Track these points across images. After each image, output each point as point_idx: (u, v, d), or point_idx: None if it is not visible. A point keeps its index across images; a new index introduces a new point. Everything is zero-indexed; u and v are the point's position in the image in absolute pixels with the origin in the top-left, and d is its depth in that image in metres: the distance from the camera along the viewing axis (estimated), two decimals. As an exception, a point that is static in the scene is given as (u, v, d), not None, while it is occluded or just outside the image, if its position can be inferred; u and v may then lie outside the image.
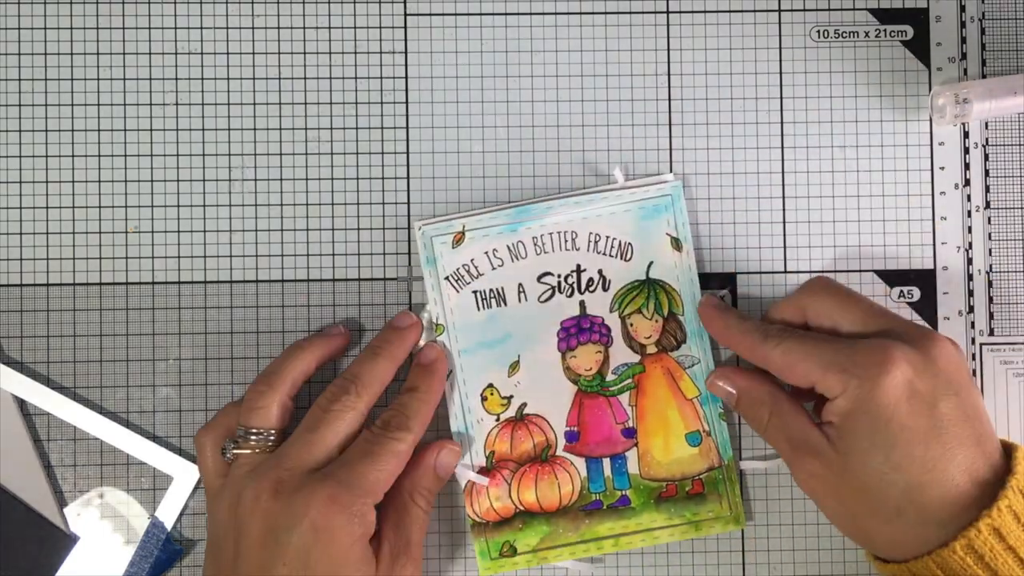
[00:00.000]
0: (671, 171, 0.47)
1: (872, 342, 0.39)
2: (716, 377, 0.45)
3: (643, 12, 0.48)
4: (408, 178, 0.47)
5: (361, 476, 0.40)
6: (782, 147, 0.48)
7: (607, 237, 0.46)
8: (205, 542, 0.46)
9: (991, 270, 0.48)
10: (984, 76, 0.48)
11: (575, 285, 0.46)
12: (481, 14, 0.48)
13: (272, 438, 0.42)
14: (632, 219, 0.46)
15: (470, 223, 0.46)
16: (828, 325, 0.42)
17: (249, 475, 0.41)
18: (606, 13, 0.48)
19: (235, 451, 0.42)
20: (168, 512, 0.46)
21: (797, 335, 0.41)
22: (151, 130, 0.47)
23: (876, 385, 0.38)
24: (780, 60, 0.48)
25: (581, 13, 0.48)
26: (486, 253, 0.46)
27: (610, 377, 0.46)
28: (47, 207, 0.47)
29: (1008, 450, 0.39)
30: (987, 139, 0.48)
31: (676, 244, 0.46)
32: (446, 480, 0.45)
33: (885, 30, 0.48)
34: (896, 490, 0.38)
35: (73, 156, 0.47)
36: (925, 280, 0.48)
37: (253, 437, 0.42)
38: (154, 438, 0.46)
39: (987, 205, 0.48)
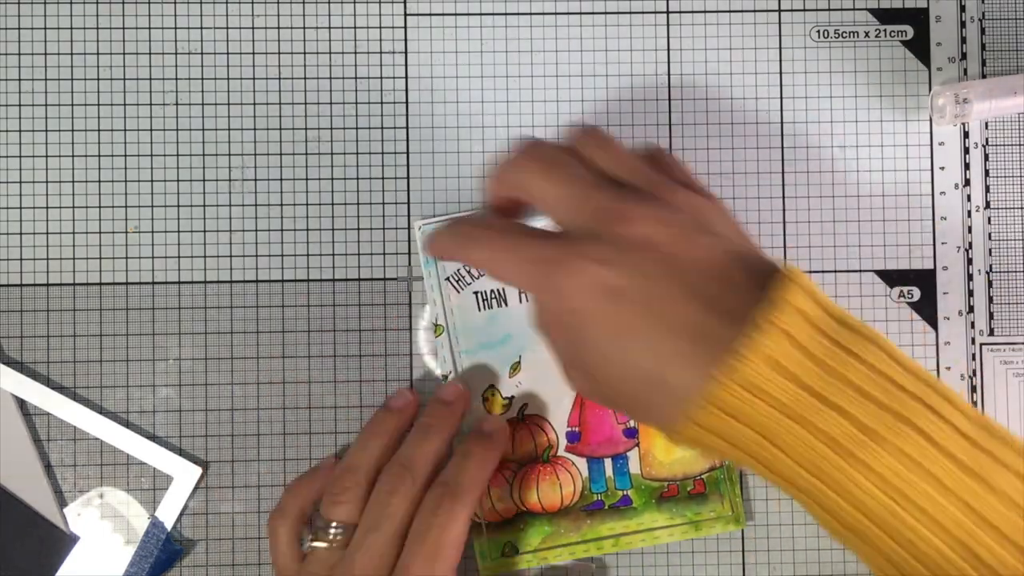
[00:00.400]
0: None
1: (570, 239, 0.34)
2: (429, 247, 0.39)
3: (643, 12, 0.48)
4: (408, 178, 0.47)
5: (438, 564, 0.40)
6: (782, 147, 0.48)
7: None
8: (205, 542, 0.46)
9: (991, 270, 0.48)
10: (984, 76, 0.48)
11: None
12: (481, 14, 0.48)
13: (350, 532, 0.41)
14: None
15: None
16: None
17: None
18: (606, 13, 0.48)
19: (313, 544, 0.41)
20: (168, 512, 0.46)
21: (498, 233, 0.36)
22: (151, 130, 0.47)
23: (560, 294, 0.33)
24: (780, 60, 0.48)
25: (581, 13, 0.48)
26: None
27: None
28: (47, 207, 0.47)
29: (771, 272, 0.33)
30: (987, 139, 0.48)
31: None
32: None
33: (885, 30, 0.48)
34: (629, 400, 0.34)
35: (73, 156, 0.47)
36: (925, 280, 0.48)
37: (333, 531, 0.41)
38: (154, 438, 0.46)
39: (987, 205, 0.48)
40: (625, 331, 0.33)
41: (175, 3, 0.47)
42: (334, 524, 0.41)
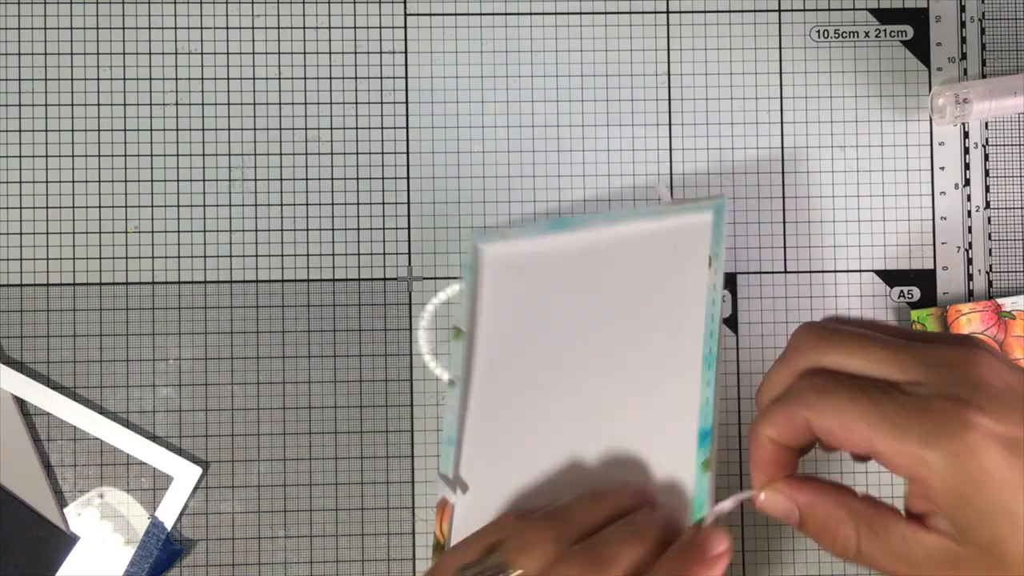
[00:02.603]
0: (671, 177, 0.47)
1: (929, 394, 0.30)
2: (768, 495, 0.34)
3: (643, 12, 0.48)
4: (408, 178, 0.47)
5: None
6: (782, 147, 0.48)
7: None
8: (205, 542, 0.46)
9: (991, 270, 0.48)
10: (984, 76, 0.48)
11: None
12: (481, 14, 0.48)
13: None
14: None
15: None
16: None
17: None
18: (606, 13, 0.48)
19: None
20: (168, 512, 0.46)
21: (834, 384, 0.32)
22: (151, 130, 0.47)
23: (971, 448, 0.29)
24: (780, 60, 0.48)
25: (581, 13, 0.48)
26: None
27: None
28: (47, 207, 0.47)
29: None
30: (987, 139, 0.48)
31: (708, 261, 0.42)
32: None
33: (885, 30, 0.48)
34: None
35: (73, 156, 0.47)
36: (925, 280, 0.48)
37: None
38: (154, 438, 0.46)
39: (987, 205, 0.48)
40: None
41: (175, 3, 0.47)
42: (510, 572, 0.35)
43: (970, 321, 0.47)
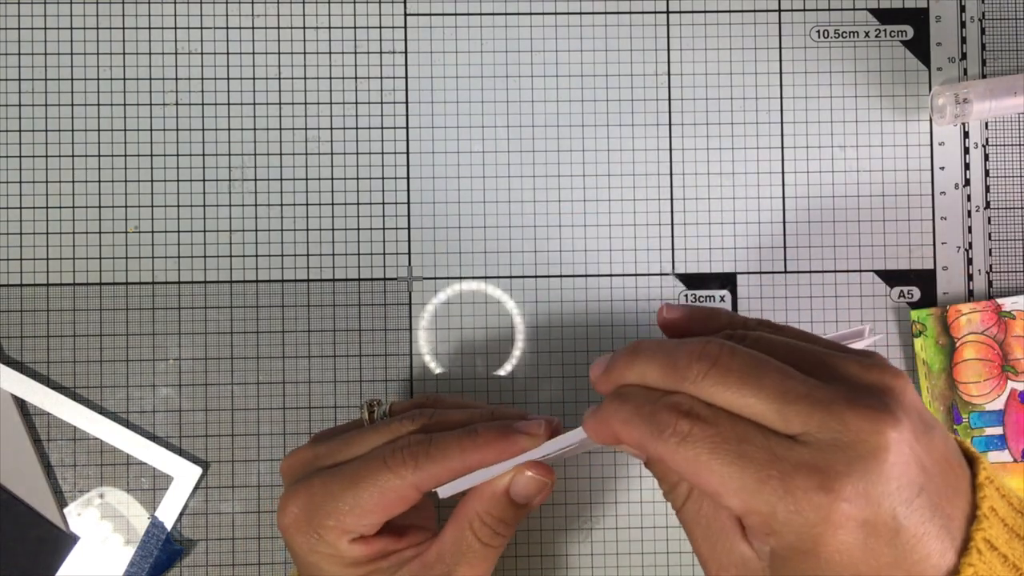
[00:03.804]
0: (671, 178, 0.47)
1: (805, 458, 0.28)
2: (599, 419, 0.32)
3: (643, 12, 0.48)
4: (408, 179, 0.47)
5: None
6: (782, 147, 0.48)
7: None
8: (205, 542, 0.46)
9: (991, 270, 0.48)
10: (984, 76, 0.48)
11: None
12: (481, 14, 0.48)
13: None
14: None
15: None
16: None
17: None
18: (606, 13, 0.48)
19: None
20: (168, 512, 0.46)
21: (701, 431, 0.29)
22: (151, 130, 0.47)
23: (818, 537, 0.27)
24: (780, 60, 0.48)
25: (581, 13, 0.48)
26: None
27: None
28: (47, 207, 0.47)
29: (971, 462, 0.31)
30: (987, 139, 0.48)
31: None
32: (531, 508, 0.37)
33: (885, 30, 0.48)
34: None
35: (73, 156, 0.47)
36: (925, 280, 0.48)
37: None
38: (154, 438, 0.46)
39: (987, 205, 0.48)
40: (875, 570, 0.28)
41: (175, 3, 0.47)
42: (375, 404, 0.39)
43: (970, 321, 0.47)
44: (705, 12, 0.48)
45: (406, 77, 0.47)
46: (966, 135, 0.48)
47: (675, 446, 0.29)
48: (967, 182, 0.48)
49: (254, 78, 0.47)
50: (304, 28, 0.47)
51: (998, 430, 0.47)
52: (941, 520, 0.28)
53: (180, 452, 0.46)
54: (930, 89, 0.48)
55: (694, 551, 0.32)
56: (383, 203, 0.47)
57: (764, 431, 0.29)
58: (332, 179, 0.47)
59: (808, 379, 0.29)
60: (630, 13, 0.48)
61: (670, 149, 0.48)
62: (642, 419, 0.30)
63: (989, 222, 0.48)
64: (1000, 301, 0.47)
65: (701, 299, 0.47)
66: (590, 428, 0.32)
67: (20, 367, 0.46)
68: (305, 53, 0.47)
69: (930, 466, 0.28)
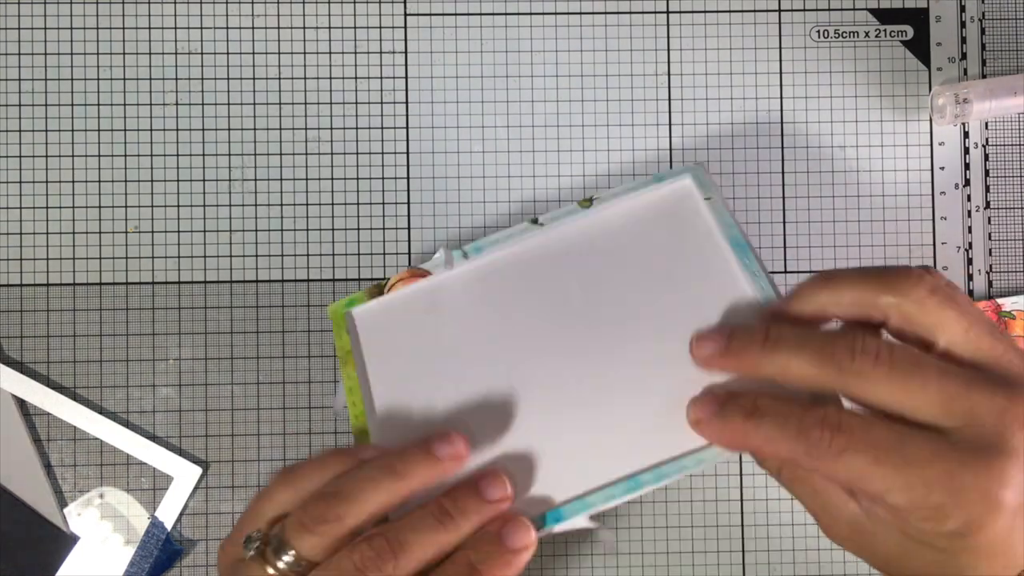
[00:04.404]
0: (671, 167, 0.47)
1: (967, 456, 0.28)
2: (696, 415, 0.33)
3: (643, 12, 0.48)
4: (408, 178, 0.47)
5: None
6: (782, 147, 0.48)
7: None
8: (205, 542, 0.46)
9: (991, 270, 0.48)
10: (984, 76, 0.48)
11: None
12: (481, 14, 0.48)
13: (305, 572, 0.32)
14: None
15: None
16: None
17: None
18: (606, 13, 0.48)
19: (251, 558, 0.32)
20: (168, 512, 0.46)
21: (865, 433, 0.29)
22: (151, 130, 0.47)
23: (980, 524, 0.28)
24: (780, 60, 0.48)
25: (581, 13, 0.48)
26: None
27: None
28: (47, 207, 0.47)
29: None
30: (987, 139, 0.48)
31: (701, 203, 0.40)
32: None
33: (885, 30, 0.48)
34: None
35: (73, 156, 0.47)
36: (925, 280, 0.48)
37: (287, 561, 0.32)
38: (154, 438, 0.46)
39: (987, 205, 0.48)
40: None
41: (175, 3, 0.47)
42: (292, 554, 0.32)
43: (970, 321, 0.47)
44: (705, 12, 0.48)
45: (406, 77, 0.47)
46: (966, 135, 0.48)
47: (832, 460, 0.29)
48: (967, 182, 0.48)
49: (254, 78, 0.47)
50: (304, 28, 0.47)
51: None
52: None
53: (180, 452, 0.46)
54: (930, 89, 0.48)
55: (799, 502, 0.32)
56: (383, 203, 0.47)
57: (921, 429, 0.29)
58: (332, 179, 0.47)
59: (963, 370, 0.29)
60: (630, 13, 0.48)
61: (670, 149, 0.48)
62: (789, 437, 0.30)
63: (989, 222, 0.48)
64: (1000, 301, 0.47)
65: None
66: (713, 434, 0.32)
67: (20, 367, 0.46)
68: (305, 53, 0.47)
69: None
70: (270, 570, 0.32)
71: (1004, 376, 0.29)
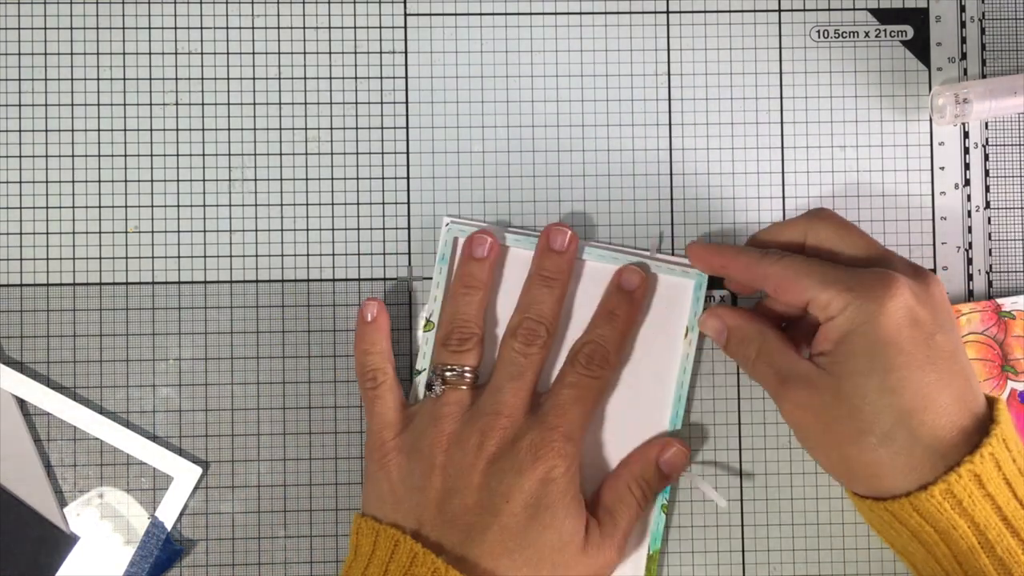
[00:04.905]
0: (671, 178, 0.48)
1: (874, 269, 0.39)
2: (707, 315, 0.44)
3: (643, 12, 0.48)
4: (408, 178, 0.47)
5: (577, 425, 0.43)
6: (782, 147, 0.48)
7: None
8: (205, 542, 0.46)
9: (991, 270, 0.48)
10: (984, 76, 0.48)
11: None
12: (481, 14, 0.48)
13: (476, 377, 0.44)
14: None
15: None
16: (826, 252, 0.42)
17: (464, 418, 0.42)
18: (606, 13, 0.48)
19: (444, 387, 0.43)
20: (168, 512, 0.46)
21: (797, 255, 0.41)
22: (151, 130, 0.47)
23: (880, 307, 0.38)
24: (780, 60, 0.48)
25: (581, 13, 0.48)
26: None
27: None
28: (47, 207, 0.47)
29: (989, 401, 0.40)
30: (987, 139, 0.48)
31: (685, 331, 0.46)
32: (672, 479, 0.45)
33: (885, 30, 0.48)
34: (888, 414, 0.37)
35: (73, 156, 0.47)
36: (925, 280, 0.48)
37: (468, 375, 0.44)
38: (154, 438, 0.46)
39: (987, 205, 0.48)
40: (920, 364, 0.38)
41: (175, 3, 0.47)
42: (468, 369, 0.44)
43: (970, 321, 0.47)
44: (705, 12, 0.48)
45: (406, 77, 0.47)
46: (966, 135, 0.48)
47: (775, 261, 0.41)
48: (967, 182, 0.48)
49: (254, 78, 0.47)
50: (304, 28, 0.47)
51: (998, 430, 0.47)
52: (962, 372, 0.38)
53: (180, 452, 0.46)
54: (930, 89, 0.48)
55: (765, 389, 0.42)
56: (383, 203, 0.47)
57: (841, 264, 0.40)
58: (332, 179, 0.47)
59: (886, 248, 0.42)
60: (630, 13, 0.48)
61: (670, 149, 0.48)
62: (754, 253, 0.42)
63: (989, 222, 0.48)
64: (1000, 301, 0.47)
65: (701, 299, 0.47)
66: (697, 255, 0.44)
67: (20, 367, 0.46)
68: (305, 53, 0.47)
69: (955, 330, 0.40)
70: (462, 387, 0.43)
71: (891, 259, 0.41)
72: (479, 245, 0.45)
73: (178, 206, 0.47)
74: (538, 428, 0.42)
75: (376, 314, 0.45)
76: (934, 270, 0.48)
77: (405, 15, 0.48)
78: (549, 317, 0.44)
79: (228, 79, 0.47)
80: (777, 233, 0.44)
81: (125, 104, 0.47)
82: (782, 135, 0.48)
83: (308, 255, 0.47)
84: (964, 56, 0.48)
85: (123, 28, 0.47)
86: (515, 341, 0.43)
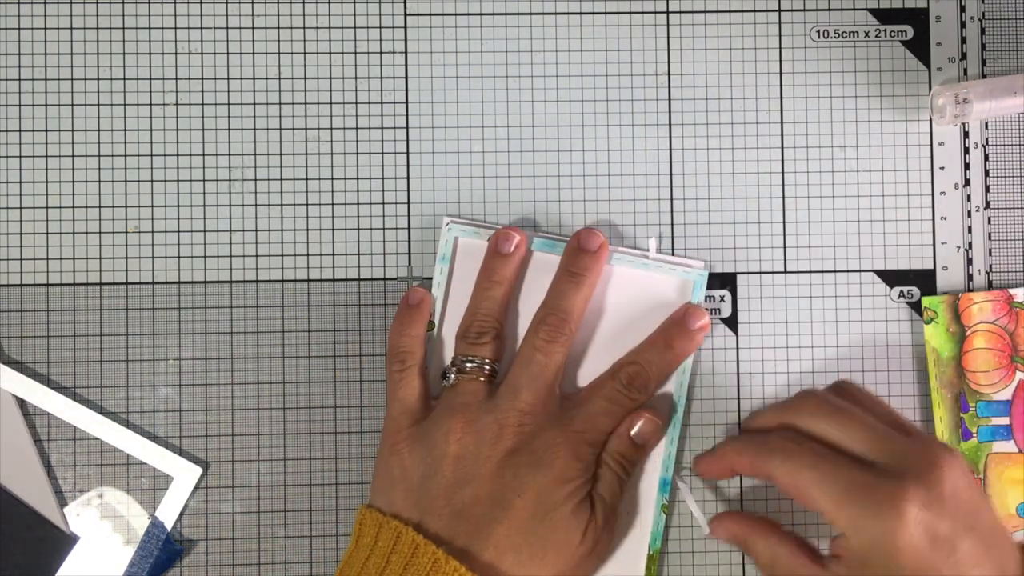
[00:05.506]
0: (671, 178, 0.48)
1: (882, 473, 0.37)
2: (713, 528, 0.44)
3: (643, 12, 0.48)
4: (408, 178, 0.47)
5: (601, 436, 0.43)
6: (782, 147, 0.48)
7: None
8: (205, 542, 0.46)
9: (991, 270, 0.48)
10: (984, 76, 0.48)
11: None
12: (481, 14, 0.48)
13: (495, 369, 0.44)
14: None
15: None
16: (831, 444, 0.40)
17: (482, 407, 0.42)
18: (606, 13, 0.48)
19: (460, 377, 0.43)
20: (168, 512, 0.46)
21: (803, 450, 0.39)
22: (151, 130, 0.47)
23: (890, 533, 0.36)
24: (780, 60, 0.48)
25: (581, 13, 0.48)
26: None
27: None
28: (47, 207, 0.47)
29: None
30: (987, 139, 0.48)
31: None
32: (648, 450, 0.45)
33: (885, 30, 0.48)
34: None
35: (73, 156, 0.47)
36: (925, 280, 0.48)
37: (487, 367, 0.43)
38: (154, 438, 0.46)
39: (987, 205, 0.48)
40: None
41: (175, 3, 0.47)
42: (487, 361, 0.43)
43: (981, 310, 0.47)
44: (705, 12, 0.48)
45: (406, 77, 0.47)
46: (966, 135, 0.48)
47: (780, 463, 0.39)
48: (967, 182, 0.48)
49: (254, 78, 0.47)
50: (304, 28, 0.47)
51: (1005, 420, 0.47)
52: (995, 561, 0.37)
53: (180, 452, 0.46)
54: (930, 89, 0.48)
55: None
56: (383, 203, 0.47)
57: (851, 456, 0.38)
58: (332, 179, 0.47)
59: (888, 428, 0.39)
60: (630, 13, 0.48)
61: (670, 149, 0.48)
62: (754, 446, 0.41)
63: (989, 222, 0.48)
64: (1013, 292, 0.47)
65: (701, 299, 0.47)
66: (704, 467, 0.44)
67: (20, 367, 0.46)
68: (305, 53, 0.47)
69: (984, 512, 0.38)
70: (480, 379, 0.43)
71: (903, 426, 0.40)
72: (505, 241, 0.45)
73: (178, 206, 0.47)
74: (561, 428, 0.42)
75: (420, 300, 0.45)
76: (934, 270, 0.48)
77: (405, 15, 0.48)
78: (575, 314, 0.44)
79: (228, 79, 0.47)
80: (773, 419, 0.42)
81: (125, 104, 0.47)
82: (782, 135, 0.48)
83: (308, 255, 0.47)
84: (964, 56, 0.48)
85: (123, 28, 0.47)
86: (538, 335, 0.43)
